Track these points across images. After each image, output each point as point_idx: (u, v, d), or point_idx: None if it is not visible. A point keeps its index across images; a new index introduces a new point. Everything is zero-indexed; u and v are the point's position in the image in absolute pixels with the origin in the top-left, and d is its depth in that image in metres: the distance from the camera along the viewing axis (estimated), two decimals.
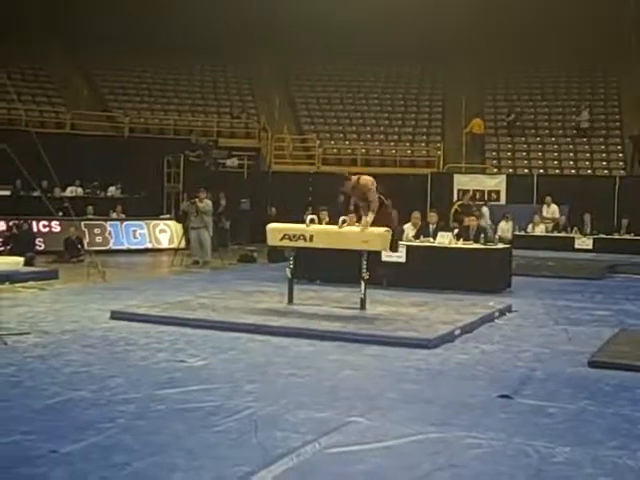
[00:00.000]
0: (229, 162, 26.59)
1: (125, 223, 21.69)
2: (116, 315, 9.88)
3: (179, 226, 20.89)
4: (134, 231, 21.70)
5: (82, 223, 19.89)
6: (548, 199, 22.80)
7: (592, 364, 7.72)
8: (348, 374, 7.25)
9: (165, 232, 22.14)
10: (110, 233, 21.26)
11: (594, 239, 21.19)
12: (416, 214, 15.43)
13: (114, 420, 5.54)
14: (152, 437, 5.22)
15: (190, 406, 5.95)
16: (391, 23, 30.22)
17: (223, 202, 24.22)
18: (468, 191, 23.29)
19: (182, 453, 4.92)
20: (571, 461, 4.92)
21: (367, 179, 10.85)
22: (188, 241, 18.49)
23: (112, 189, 23.69)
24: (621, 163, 26.86)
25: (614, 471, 4.75)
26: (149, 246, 21.74)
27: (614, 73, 30.83)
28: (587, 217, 22.23)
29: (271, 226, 11.23)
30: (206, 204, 18.24)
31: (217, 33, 30.68)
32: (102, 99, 29.61)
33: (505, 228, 21.63)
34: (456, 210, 18.40)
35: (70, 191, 22.56)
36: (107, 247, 20.74)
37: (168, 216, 23.23)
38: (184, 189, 23.52)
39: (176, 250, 18.35)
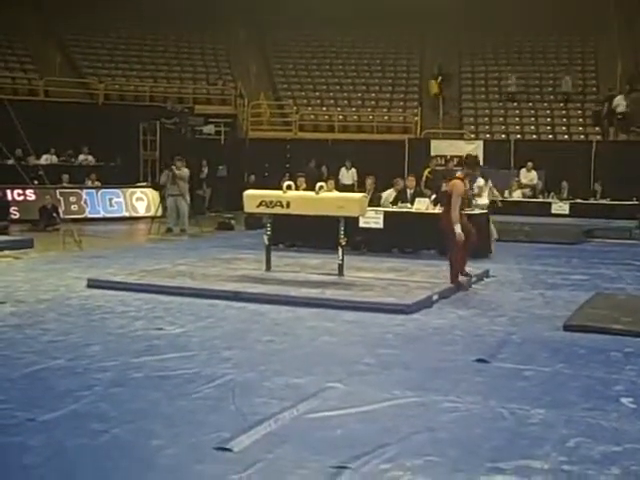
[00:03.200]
0: (205, 129, 26.38)
1: (101, 191, 21.51)
2: (92, 283, 9.83)
3: (156, 194, 20.74)
4: (110, 199, 21.53)
5: (57, 191, 19.70)
6: (529, 164, 22.85)
7: (567, 328, 7.79)
8: (326, 340, 7.27)
9: (142, 200, 21.99)
10: (86, 201, 21.09)
11: (570, 204, 21.35)
12: (399, 180, 15.41)
13: (91, 388, 5.53)
14: (130, 404, 5.21)
15: (168, 373, 5.95)
16: None
17: (205, 169, 24.10)
18: (449, 159, 23.35)
19: (160, 420, 4.92)
20: (546, 422, 4.97)
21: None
22: (165, 209, 18.38)
23: (82, 157, 23.44)
24: (597, 128, 26.93)
25: (587, 431, 4.81)
26: (126, 214, 21.60)
27: (591, 39, 30.80)
28: (564, 182, 22.33)
29: (248, 193, 11.18)
30: (183, 172, 18.12)
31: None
32: (76, 66, 29.21)
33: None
34: (427, 177, 18.37)
35: (45, 159, 22.29)
36: (83, 215, 20.56)
37: (145, 184, 23.05)
38: (160, 156, 23.33)
39: (153, 218, 18.25)
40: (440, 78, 29.24)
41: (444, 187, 15.65)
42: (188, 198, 18.13)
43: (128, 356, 6.44)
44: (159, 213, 18.43)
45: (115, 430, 4.71)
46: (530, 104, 28.59)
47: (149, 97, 27.81)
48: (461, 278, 10.14)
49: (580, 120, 27.68)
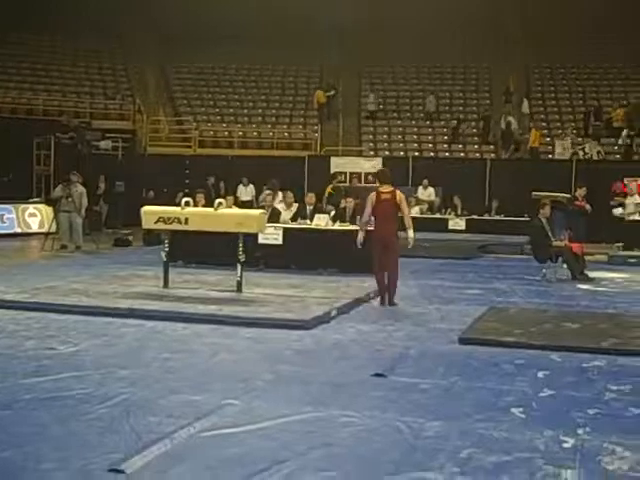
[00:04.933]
0: (103, 144, 25.90)
1: None
2: None
3: (50, 210, 20.18)
4: (2, 215, 20.83)
5: None
6: (425, 182, 23.31)
7: (462, 341, 7.96)
8: (224, 357, 7.20)
9: (35, 216, 21.36)
10: None
11: (467, 220, 21.85)
12: (289, 193, 15.45)
13: None
14: (18, 428, 5.02)
15: (59, 394, 5.77)
16: (269, 5, 30.13)
17: (102, 185, 23.61)
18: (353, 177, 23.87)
19: (50, 443, 4.75)
20: (441, 435, 5.05)
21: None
22: (59, 225, 17.91)
23: None
24: (492, 147, 27.76)
25: (480, 442, 4.91)
26: (18, 230, 20.93)
27: (485, 64, 31.79)
28: (457, 199, 22.85)
29: (146, 209, 11.01)
30: (79, 187, 17.70)
31: (91, 11, 29.78)
32: None
33: None
34: (329, 193, 18.53)
35: None
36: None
37: (38, 199, 22.41)
38: (55, 172, 22.74)
39: (47, 234, 17.75)
40: (333, 92, 29.68)
41: (343, 204, 15.89)
42: (83, 214, 17.67)
43: (17, 377, 6.21)
44: (53, 229, 17.93)
45: (3, 454, 4.53)
46: (428, 122, 29.22)
47: (43, 111, 27.09)
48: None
49: (475, 139, 28.45)
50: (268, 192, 15.61)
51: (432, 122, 29.05)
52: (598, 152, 24.89)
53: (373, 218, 10.41)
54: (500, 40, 31.76)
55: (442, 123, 29.11)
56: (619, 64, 30.41)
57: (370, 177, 24.86)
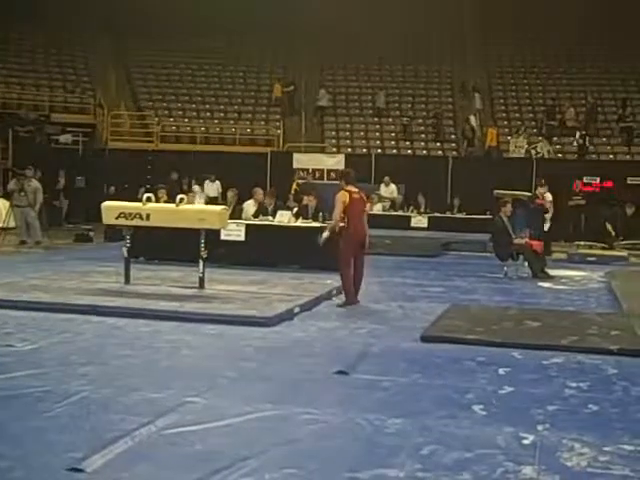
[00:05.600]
0: (62, 138, 25.59)
1: None
2: None
3: (7, 204, 19.87)
4: None
5: None
6: (387, 179, 23.36)
7: (424, 339, 8.00)
8: (185, 354, 7.17)
9: None
10: None
11: (429, 217, 21.95)
12: (259, 190, 15.39)
13: None
14: None
15: (17, 392, 5.69)
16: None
17: (62, 180, 23.32)
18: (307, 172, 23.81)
19: (8, 441, 4.69)
20: (402, 432, 5.07)
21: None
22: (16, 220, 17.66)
23: None
24: (453, 144, 27.95)
25: (441, 439, 4.94)
26: None
27: (448, 63, 31.98)
28: (421, 196, 22.96)
29: (106, 204, 10.91)
30: (33, 182, 17.44)
31: (50, 3, 29.39)
32: None
33: None
34: (295, 190, 18.51)
35: None
36: None
37: None
38: (13, 165, 22.40)
39: (4, 229, 17.48)
40: (292, 87, 29.80)
41: (305, 201, 15.86)
42: (37, 209, 17.38)
43: None
44: (11, 224, 17.67)
45: None
46: (390, 119, 29.33)
47: (1, 103, 26.67)
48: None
49: (430, 136, 28.58)
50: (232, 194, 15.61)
51: (380, 118, 29.27)
52: (548, 151, 25.24)
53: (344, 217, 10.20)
54: (460, 37, 32.02)
55: (404, 120, 29.23)
56: (580, 64, 30.85)
57: (333, 174, 24.96)
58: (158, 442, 4.78)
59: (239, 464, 4.41)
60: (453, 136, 28.55)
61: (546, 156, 24.85)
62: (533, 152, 25.03)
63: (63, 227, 20.98)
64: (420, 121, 29.02)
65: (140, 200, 10.70)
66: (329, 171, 24.93)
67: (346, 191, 10.23)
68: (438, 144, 28.00)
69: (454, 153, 26.87)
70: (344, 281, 10.24)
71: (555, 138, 26.70)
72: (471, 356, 7.28)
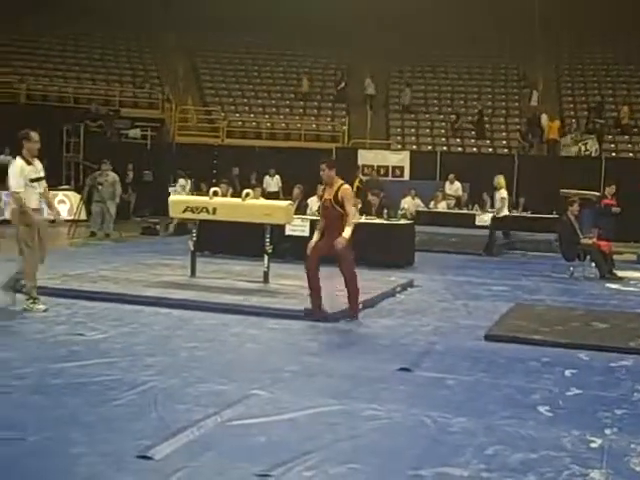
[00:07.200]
0: (131, 133, 26.04)
1: None
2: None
3: (78, 197, 20.34)
4: None
5: None
6: (451, 176, 23.16)
7: (488, 338, 7.94)
8: (250, 347, 7.25)
9: (64, 203, 21.49)
10: (5, 203, 20.50)
11: (493, 216, 21.65)
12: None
13: (8, 395, 5.38)
14: (48, 412, 5.09)
15: (88, 380, 5.83)
16: None
17: (130, 174, 23.76)
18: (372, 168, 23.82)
19: (80, 427, 4.81)
20: (466, 430, 5.05)
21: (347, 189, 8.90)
22: (90, 212, 18.06)
23: (1, 157, 22.82)
24: (523, 142, 27.53)
25: (505, 439, 4.91)
26: (47, 217, 21.03)
27: (515, 60, 31.55)
28: (486, 195, 22.69)
29: (173, 198, 11.10)
30: (112, 176, 17.87)
31: (120, 0, 29.93)
32: None
33: (411, 204, 21.85)
34: (357, 186, 18.51)
35: None
36: (1, 217, 19.99)
37: (67, 187, 22.58)
38: (84, 159, 22.90)
39: (76, 222, 17.88)
40: (343, 84, 29.95)
41: (369, 197, 15.86)
42: (117, 201, 17.88)
43: (47, 362, 6.29)
44: (82, 216, 18.07)
45: (33, 438, 4.60)
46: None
47: (73, 99, 27.27)
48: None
49: (503, 134, 28.28)
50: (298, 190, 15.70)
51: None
52: (596, 150, 24.75)
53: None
54: (529, 35, 31.54)
55: (470, 118, 28.94)
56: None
57: (397, 171, 24.90)
58: (223, 433, 4.86)
59: (303, 457, 4.45)
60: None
61: (594, 154, 24.41)
62: (582, 148, 24.60)
63: (131, 220, 21.36)
64: (486, 119, 28.68)
65: (201, 194, 10.82)
66: (394, 168, 24.86)
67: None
68: (504, 142, 27.65)
69: (508, 151, 26.50)
70: (357, 290, 8.81)
71: (609, 137, 26.19)
72: (536, 356, 7.20)
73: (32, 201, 8.50)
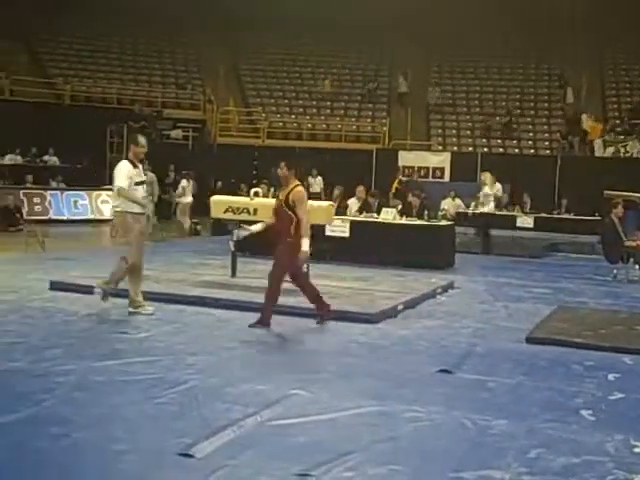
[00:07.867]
0: (173, 133, 26.29)
1: (66, 193, 21.31)
2: (56, 286, 9.72)
3: None
4: (75, 201, 21.34)
5: (21, 192, 19.48)
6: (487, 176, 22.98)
7: (530, 340, 7.86)
8: (290, 347, 7.28)
9: (107, 203, 21.71)
10: (50, 203, 20.86)
11: (535, 218, 21.49)
12: (360, 188, 15.43)
13: (52, 391, 5.46)
14: (91, 408, 5.16)
15: (131, 378, 5.90)
16: None
17: (172, 174, 23.97)
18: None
19: (122, 424, 4.87)
20: (507, 433, 5.01)
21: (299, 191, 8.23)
22: None
23: (46, 157, 23.23)
24: (563, 141, 27.25)
25: (547, 443, 4.85)
26: (91, 217, 21.41)
27: (546, 60, 31.24)
28: (525, 196, 22.50)
29: (215, 199, 11.17)
30: (150, 176, 18.01)
31: (163, 2, 30.21)
32: (43, 66, 28.90)
33: (451, 205, 21.72)
34: (396, 188, 18.47)
35: (9, 159, 22.05)
36: (47, 217, 20.34)
37: (111, 186, 22.81)
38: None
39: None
40: (375, 85, 30.16)
41: (410, 198, 15.80)
42: (155, 201, 17.98)
43: (91, 360, 6.37)
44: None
45: (76, 434, 4.67)
46: (497, 118, 28.87)
47: (117, 99, 27.62)
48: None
49: (546, 135, 28.01)
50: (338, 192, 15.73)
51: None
52: (638, 151, 24.36)
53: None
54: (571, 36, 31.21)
55: (513, 119, 28.73)
56: None
57: (438, 172, 24.77)
58: (263, 432, 4.88)
59: (343, 458, 4.45)
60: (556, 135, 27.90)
61: (635, 156, 24.02)
62: (622, 150, 24.22)
63: (172, 220, 21.52)
64: (528, 119, 28.46)
65: (242, 195, 10.87)
66: (434, 169, 24.75)
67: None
68: (546, 143, 27.39)
69: (550, 152, 26.24)
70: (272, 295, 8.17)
71: None
72: (578, 360, 7.12)
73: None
